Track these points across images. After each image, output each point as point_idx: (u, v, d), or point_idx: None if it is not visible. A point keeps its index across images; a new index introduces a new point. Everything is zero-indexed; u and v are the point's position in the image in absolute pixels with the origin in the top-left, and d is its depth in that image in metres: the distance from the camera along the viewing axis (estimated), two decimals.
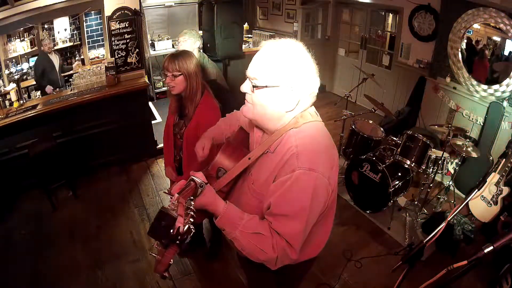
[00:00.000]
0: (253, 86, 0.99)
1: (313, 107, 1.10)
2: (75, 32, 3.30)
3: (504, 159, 2.58)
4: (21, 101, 3.05)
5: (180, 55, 1.74)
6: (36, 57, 3.18)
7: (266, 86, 0.97)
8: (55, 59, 3.27)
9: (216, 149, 1.41)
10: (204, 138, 1.52)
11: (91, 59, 3.45)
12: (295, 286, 1.49)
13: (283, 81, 0.96)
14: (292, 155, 0.98)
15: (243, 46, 4.22)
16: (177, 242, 0.80)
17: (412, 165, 2.71)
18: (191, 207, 0.89)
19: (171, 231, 0.79)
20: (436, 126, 2.92)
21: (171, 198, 1.00)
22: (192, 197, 0.94)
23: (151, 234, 0.82)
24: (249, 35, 5.36)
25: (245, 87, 1.03)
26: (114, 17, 3.22)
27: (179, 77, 1.73)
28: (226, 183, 1.14)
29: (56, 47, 3.25)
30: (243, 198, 1.17)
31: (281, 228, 1.00)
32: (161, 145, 3.81)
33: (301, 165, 0.96)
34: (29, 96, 3.19)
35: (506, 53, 3.14)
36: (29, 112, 2.92)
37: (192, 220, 0.87)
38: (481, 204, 2.69)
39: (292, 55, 0.97)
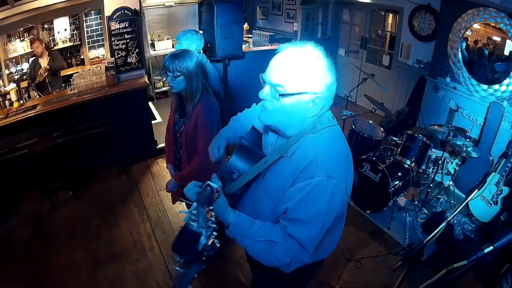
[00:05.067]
0: (280, 94, 0.95)
1: (330, 111, 1.09)
2: (75, 32, 3.30)
3: (504, 159, 2.58)
4: (21, 101, 3.05)
5: (180, 55, 1.73)
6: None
7: (294, 94, 0.95)
8: (44, 63, 3.20)
9: (230, 149, 1.38)
10: (219, 138, 1.44)
11: (91, 59, 3.45)
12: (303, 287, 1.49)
13: (310, 88, 0.95)
14: (311, 162, 0.98)
15: (243, 46, 4.22)
16: (203, 258, 0.77)
17: (412, 165, 2.71)
18: (212, 218, 0.86)
19: (196, 247, 0.76)
20: (436, 126, 2.92)
21: (186, 204, 0.96)
22: (210, 207, 0.90)
23: (175, 250, 0.78)
24: (249, 35, 5.35)
25: (265, 94, 0.99)
26: (114, 17, 3.23)
27: (179, 77, 1.72)
28: (240, 186, 1.12)
29: (56, 47, 3.25)
30: (257, 201, 1.17)
31: (296, 232, 1.01)
32: (161, 145, 3.82)
33: (320, 172, 0.96)
34: (29, 96, 3.19)
35: (506, 53, 3.14)
36: (29, 112, 2.92)
37: (216, 234, 0.83)
38: (481, 204, 2.69)
39: (317, 60, 0.96)
